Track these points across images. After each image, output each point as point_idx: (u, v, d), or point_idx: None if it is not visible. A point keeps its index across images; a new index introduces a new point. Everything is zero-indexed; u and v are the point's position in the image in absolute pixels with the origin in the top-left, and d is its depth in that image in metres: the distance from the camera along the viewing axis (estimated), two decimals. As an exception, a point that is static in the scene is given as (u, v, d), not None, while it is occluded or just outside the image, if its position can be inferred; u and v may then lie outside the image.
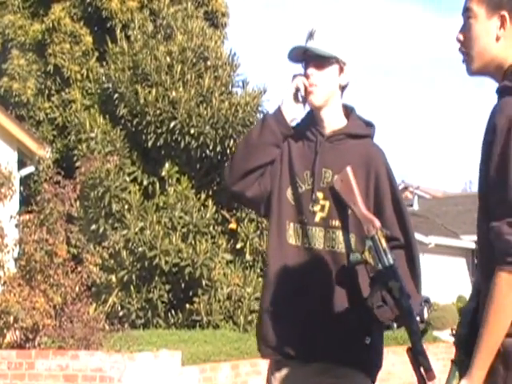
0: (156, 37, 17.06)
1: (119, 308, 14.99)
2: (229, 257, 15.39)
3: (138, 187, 16.01)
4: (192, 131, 15.69)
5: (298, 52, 3.14)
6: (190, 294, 15.18)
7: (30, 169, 16.80)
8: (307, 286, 3.03)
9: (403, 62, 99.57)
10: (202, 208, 15.49)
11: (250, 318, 14.54)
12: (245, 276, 15.20)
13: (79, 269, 10.37)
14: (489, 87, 2.68)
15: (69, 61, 19.11)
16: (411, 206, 45.60)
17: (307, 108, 3.19)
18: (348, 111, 3.22)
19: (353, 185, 3.00)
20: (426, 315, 32.78)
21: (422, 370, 2.87)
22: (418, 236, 36.19)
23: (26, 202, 15.16)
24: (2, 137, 16.08)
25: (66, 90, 19.25)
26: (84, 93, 18.79)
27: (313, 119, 3.18)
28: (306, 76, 3.11)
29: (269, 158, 3.11)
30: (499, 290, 2.37)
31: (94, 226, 15.39)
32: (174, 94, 15.94)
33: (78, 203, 12.56)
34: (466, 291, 37.52)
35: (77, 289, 10.20)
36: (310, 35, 3.13)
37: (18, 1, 20.04)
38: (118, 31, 17.63)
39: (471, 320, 2.63)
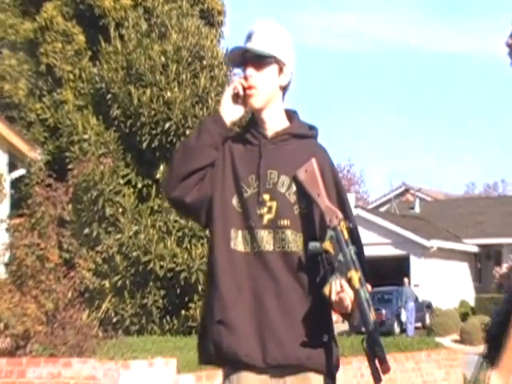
0: (150, 36, 17.07)
1: (113, 314, 14.98)
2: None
3: (132, 190, 16.01)
4: (187, 132, 15.68)
5: (236, 54, 3.16)
6: (186, 299, 15.18)
7: (20, 171, 16.79)
8: (259, 292, 3.05)
9: (403, 62, 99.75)
10: (198, 211, 15.49)
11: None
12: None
13: (71, 274, 10.36)
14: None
15: (61, 60, 19.12)
16: (412, 208, 45.62)
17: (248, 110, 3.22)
18: (291, 114, 3.25)
19: (317, 176, 3.05)
20: (427, 321, 32.79)
21: (376, 362, 2.87)
22: (419, 239, 36.32)
23: (16, 205, 15.15)
24: (-8, 139, 16.09)
25: (58, 91, 19.25)
26: (76, 93, 18.79)
27: (254, 122, 3.20)
28: (245, 78, 3.13)
29: (207, 161, 3.12)
30: None
31: (86, 230, 15.39)
32: (168, 94, 15.94)
33: (70, 206, 12.52)
34: (469, 296, 37.54)
35: (69, 294, 10.19)
36: (248, 37, 3.16)
37: (9, -1, 20.07)
38: (112, 30, 17.64)
39: (503, 320, 2.82)
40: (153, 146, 15.94)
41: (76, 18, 19.49)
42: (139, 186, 16.19)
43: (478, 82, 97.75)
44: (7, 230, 10.94)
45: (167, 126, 15.80)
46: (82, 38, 19.37)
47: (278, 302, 3.05)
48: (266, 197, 3.11)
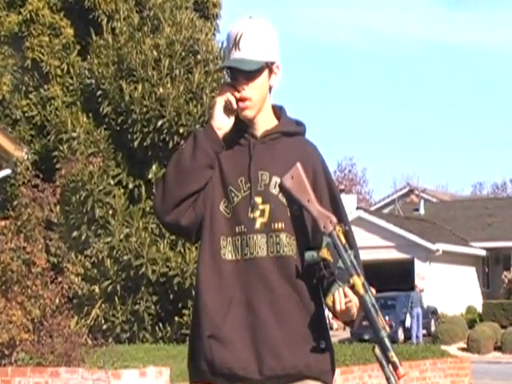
0: (142, 29, 17.07)
1: (103, 321, 14.98)
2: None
3: (122, 191, 16.00)
4: (181, 130, 15.69)
5: (227, 69, 3.16)
6: (179, 305, 15.18)
7: (6, 171, 16.75)
8: (253, 302, 3.03)
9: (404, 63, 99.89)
10: (192, 213, 15.50)
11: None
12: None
13: (59, 279, 10.36)
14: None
15: (48, 55, 19.09)
16: (417, 210, 45.64)
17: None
18: (277, 110, 3.23)
19: (304, 181, 3.04)
20: (433, 328, 32.80)
21: (390, 367, 2.87)
22: (424, 243, 36.34)
23: (1, 207, 15.14)
24: (-24, 137, 16.06)
25: (45, 87, 19.22)
26: (65, 89, 18.77)
27: (241, 122, 3.18)
28: (237, 90, 3.11)
29: (204, 182, 3.09)
30: None
31: (75, 233, 15.38)
32: (161, 90, 15.94)
33: (58, 208, 12.53)
34: (476, 302, 37.55)
35: (57, 301, 10.18)
36: (235, 44, 3.12)
37: (-7, -10, 20.05)
38: (103, 23, 17.63)
39: None
40: (145, 144, 15.94)
41: (64, 10, 19.46)
42: (130, 186, 16.19)
43: (485, 80, 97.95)
44: (-8, 232, 10.92)
45: (160, 123, 15.80)
46: (70, 31, 19.35)
47: (273, 311, 3.04)
48: (258, 199, 3.08)
